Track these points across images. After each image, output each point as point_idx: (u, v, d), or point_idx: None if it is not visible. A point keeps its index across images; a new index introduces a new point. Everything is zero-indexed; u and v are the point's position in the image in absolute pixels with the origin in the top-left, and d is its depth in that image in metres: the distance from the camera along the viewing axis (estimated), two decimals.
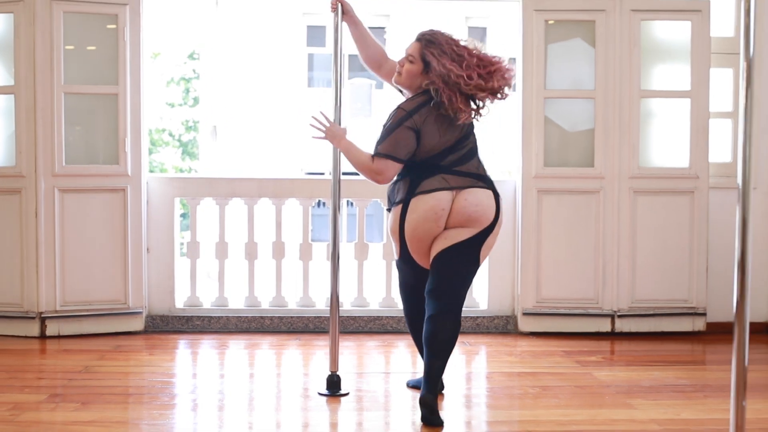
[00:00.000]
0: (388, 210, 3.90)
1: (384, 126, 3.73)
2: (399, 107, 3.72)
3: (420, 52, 3.70)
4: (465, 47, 3.68)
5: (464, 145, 3.76)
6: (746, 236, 3.01)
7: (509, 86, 3.74)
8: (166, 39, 23.35)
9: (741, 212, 3.00)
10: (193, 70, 24.98)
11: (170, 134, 25.94)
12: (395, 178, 3.78)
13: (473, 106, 3.72)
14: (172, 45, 24.34)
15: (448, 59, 3.61)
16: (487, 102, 3.73)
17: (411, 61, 3.73)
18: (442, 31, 3.75)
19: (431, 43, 3.68)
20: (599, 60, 5.53)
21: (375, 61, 4.13)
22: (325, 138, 3.96)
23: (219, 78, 18.20)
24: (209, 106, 18.88)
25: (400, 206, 3.73)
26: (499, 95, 3.71)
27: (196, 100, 24.76)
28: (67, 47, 5.37)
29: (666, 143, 5.67)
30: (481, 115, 3.78)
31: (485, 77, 3.63)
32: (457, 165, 3.71)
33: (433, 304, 3.66)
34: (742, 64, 2.92)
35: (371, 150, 3.71)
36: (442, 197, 3.65)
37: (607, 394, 4.12)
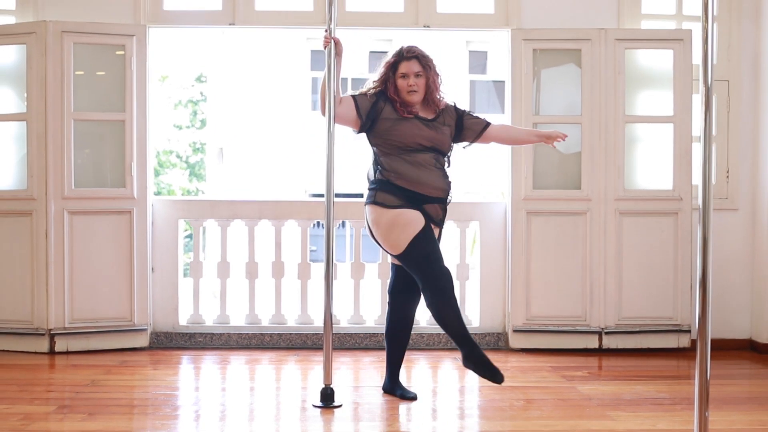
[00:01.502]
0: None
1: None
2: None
3: (422, 67, 4.29)
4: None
5: None
6: (707, 255, 3.24)
7: None
8: (173, 62, 23.61)
9: (702, 232, 3.23)
10: (201, 93, 25.22)
11: (178, 156, 26.14)
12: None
13: None
14: (180, 68, 24.59)
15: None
16: None
17: (419, 76, 4.29)
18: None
19: (423, 57, 4.32)
20: (585, 86, 5.76)
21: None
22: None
23: (225, 101, 18.47)
24: (216, 128, 19.15)
25: None
26: None
27: (203, 123, 24.98)
28: (77, 73, 5.62)
29: (650, 166, 5.89)
30: None
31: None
32: None
33: None
34: (701, 89, 3.16)
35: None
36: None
37: (589, 406, 4.31)
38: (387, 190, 4.22)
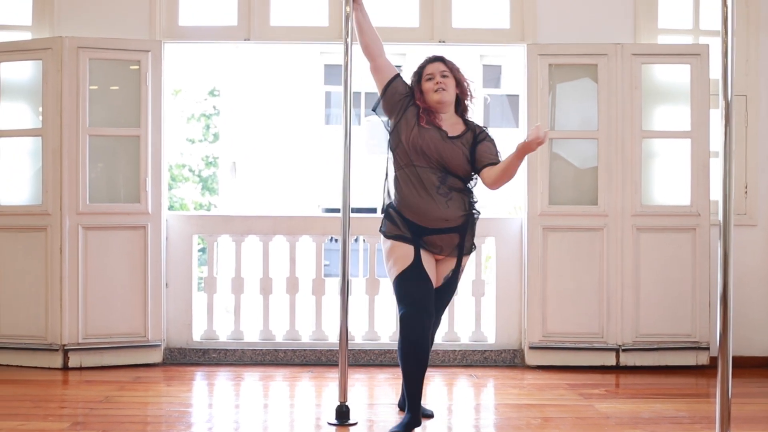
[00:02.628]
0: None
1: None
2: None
3: (448, 68, 4.19)
4: None
5: None
6: (728, 271, 3.19)
7: None
8: (187, 76, 23.71)
9: (723, 248, 3.18)
10: (214, 107, 25.33)
11: (190, 170, 26.22)
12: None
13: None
14: (193, 82, 24.69)
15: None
16: None
17: (446, 76, 4.16)
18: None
19: (449, 61, 4.23)
20: (602, 101, 5.72)
21: (371, 51, 4.27)
22: None
23: (239, 115, 18.51)
24: (229, 142, 19.20)
25: None
26: None
27: (216, 136, 25.07)
28: (92, 88, 5.63)
29: (668, 182, 5.84)
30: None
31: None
32: None
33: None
34: (721, 104, 3.12)
35: None
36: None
37: (607, 425, 4.26)
38: (389, 217, 4.10)
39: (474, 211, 4.14)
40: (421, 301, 3.95)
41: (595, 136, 5.74)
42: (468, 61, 17.68)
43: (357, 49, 4.36)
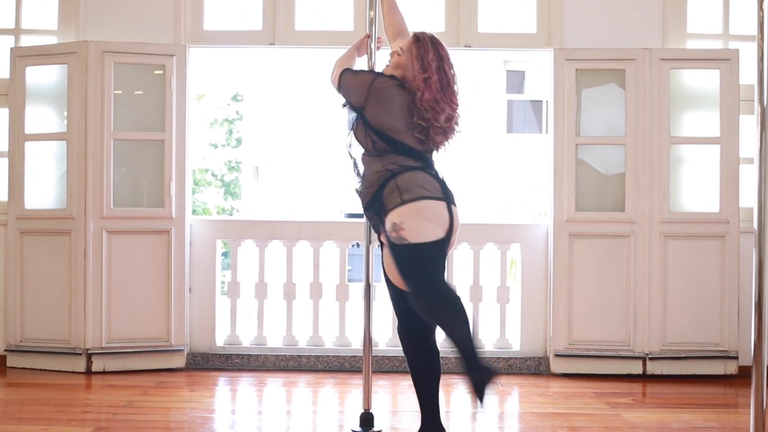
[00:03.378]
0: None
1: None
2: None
3: (408, 46, 3.72)
4: (442, 68, 3.65)
5: None
6: (763, 278, 3.12)
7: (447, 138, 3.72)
8: (210, 81, 23.81)
9: (757, 255, 3.11)
10: (237, 112, 25.38)
11: (213, 174, 26.30)
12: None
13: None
14: (216, 87, 24.78)
15: (419, 65, 3.63)
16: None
17: (399, 54, 3.76)
18: (440, 43, 3.72)
19: (419, 41, 3.69)
20: (629, 107, 5.65)
21: (392, 31, 4.19)
22: None
23: (261, 119, 18.56)
24: (252, 147, 19.24)
25: None
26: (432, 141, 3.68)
27: (239, 141, 25.13)
28: (117, 92, 5.64)
29: (696, 188, 5.76)
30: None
31: (434, 108, 3.60)
32: None
33: None
34: (756, 109, 3.05)
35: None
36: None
37: None
38: None
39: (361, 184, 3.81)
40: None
41: (622, 141, 5.67)
42: (491, 66, 17.64)
43: (382, 54, 4.33)
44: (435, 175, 3.67)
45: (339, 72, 3.93)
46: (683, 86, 5.75)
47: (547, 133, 6.00)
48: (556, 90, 5.70)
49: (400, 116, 3.64)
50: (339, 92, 3.90)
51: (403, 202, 3.53)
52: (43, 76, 5.76)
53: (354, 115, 3.82)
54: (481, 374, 3.51)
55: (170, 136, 5.66)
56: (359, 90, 3.75)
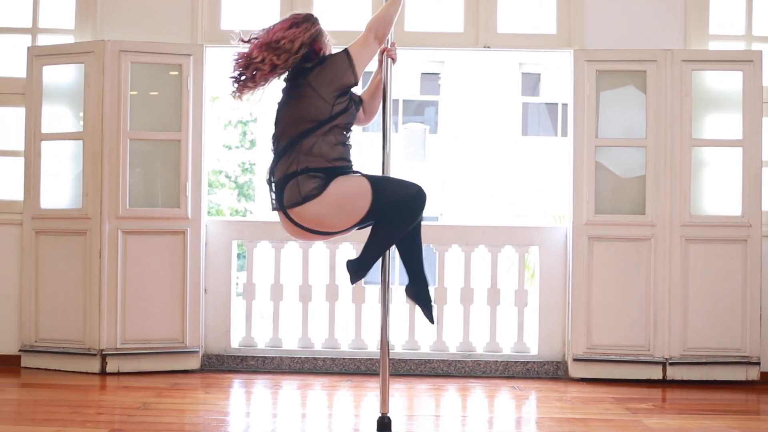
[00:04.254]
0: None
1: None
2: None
3: None
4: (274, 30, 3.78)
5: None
6: None
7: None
8: (225, 83, 23.80)
9: None
10: (251, 114, 25.43)
11: (227, 176, 26.36)
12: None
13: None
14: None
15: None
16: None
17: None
18: (296, 21, 3.85)
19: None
20: (650, 109, 5.59)
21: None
22: None
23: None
24: (266, 148, 19.21)
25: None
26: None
27: (252, 143, 25.18)
28: (133, 92, 5.61)
29: (718, 191, 5.69)
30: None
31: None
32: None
33: None
34: None
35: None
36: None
37: None
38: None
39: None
40: None
41: (643, 144, 5.60)
42: (507, 69, 17.56)
43: (400, 53, 4.28)
44: None
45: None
46: (705, 88, 5.68)
47: (563, 135, 5.95)
48: (576, 91, 5.64)
49: None
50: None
51: None
52: (59, 76, 5.74)
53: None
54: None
55: (186, 137, 5.63)
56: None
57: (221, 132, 25.55)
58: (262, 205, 19.35)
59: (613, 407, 4.87)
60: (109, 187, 5.55)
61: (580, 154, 5.61)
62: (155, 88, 5.75)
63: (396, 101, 17.49)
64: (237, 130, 26.38)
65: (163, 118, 5.69)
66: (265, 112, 19.76)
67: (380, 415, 4.11)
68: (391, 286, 4.22)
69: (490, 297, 5.88)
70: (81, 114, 5.65)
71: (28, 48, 5.75)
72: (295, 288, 5.96)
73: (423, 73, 17.18)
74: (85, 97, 5.59)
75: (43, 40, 5.89)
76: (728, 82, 5.65)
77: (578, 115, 5.63)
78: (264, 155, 19.60)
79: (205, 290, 5.79)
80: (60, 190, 5.74)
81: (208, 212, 20.50)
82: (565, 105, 17.73)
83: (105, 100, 5.54)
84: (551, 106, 18.13)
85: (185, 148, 5.63)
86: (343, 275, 5.91)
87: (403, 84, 16.21)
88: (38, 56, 5.69)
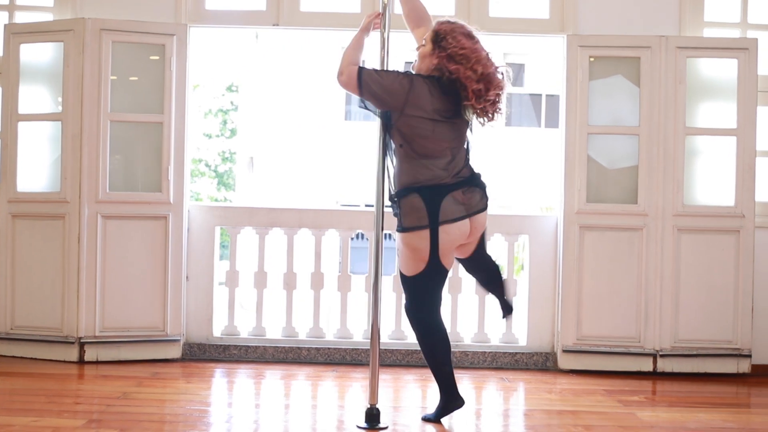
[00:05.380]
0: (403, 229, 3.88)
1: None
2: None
3: (431, 38, 3.84)
4: (471, 46, 3.79)
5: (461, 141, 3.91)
6: None
7: (498, 103, 3.87)
8: (205, 71, 23.64)
9: None
10: (231, 102, 25.23)
11: (207, 165, 26.14)
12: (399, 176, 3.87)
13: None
14: (211, 77, 24.61)
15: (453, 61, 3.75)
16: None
17: (423, 44, 3.88)
18: (458, 24, 3.88)
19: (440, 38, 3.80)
20: (644, 96, 5.49)
21: (413, 18, 4.17)
22: None
23: (256, 110, 18.35)
24: (246, 137, 19.04)
25: (428, 232, 3.78)
26: (489, 112, 3.86)
27: (233, 132, 24.98)
28: (114, 72, 5.45)
29: (711, 181, 5.60)
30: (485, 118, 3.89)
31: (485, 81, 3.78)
32: (456, 170, 3.85)
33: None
34: None
35: None
36: (465, 224, 3.85)
37: None
38: None
39: None
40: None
41: (635, 132, 5.50)
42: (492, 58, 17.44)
43: (391, 36, 4.14)
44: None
45: (353, 71, 3.82)
46: (699, 76, 5.58)
47: (547, 126, 5.84)
48: (569, 77, 5.52)
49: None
50: (361, 94, 3.82)
51: None
52: (37, 54, 5.56)
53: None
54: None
55: (169, 119, 5.47)
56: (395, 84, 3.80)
57: (201, 120, 25.33)
58: (243, 195, 19.18)
59: (604, 399, 4.78)
60: (89, 170, 5.38)
61: (572, 141, 5.51)
62: (137, 69, 5.58)
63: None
64: (217, 118, 26.16)
65: (146, 100, 5.52)
66: (244, 100, 19.55)
67: (368, 406, 3.99)
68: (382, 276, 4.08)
69: (479, 287, 5.76)
70: (60, 94, 5.47)
71: (5, 25, 5.57)
72: (280, 276, 5.82)
73: (407, 62, 17.04)
74: (64, 76, 5.41)
75: (21, 18, 5.71)
76: (723, 69, 5.55)
77: (570, 102, 5.52)
78: (244, 144, 19.41)
79: (187, 277, 5.64)
80: (37, 172, 5.56)
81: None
82: (549, 96, 17.66)
83: (85, 81, 5.37)
84: (535, 97, 18.04)
85: (167, 130, 5.47)
86: (329, 263, 5.81)
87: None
88: (15, 34, 5.51)
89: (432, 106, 3.76)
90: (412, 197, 3.79)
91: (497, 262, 4.28)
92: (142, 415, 4.13)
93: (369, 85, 3.78)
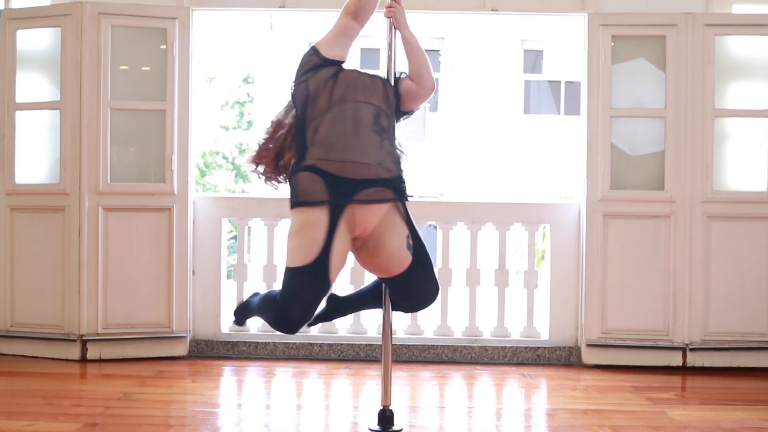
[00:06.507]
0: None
1: None
2: None
3: None
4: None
5: None
6: None
7: None
8: (221, 63, 23.51)
9: None
10: (248, 94, 25.09)
11: (224, 157, 26.04)
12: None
13: None
14: (227, 69, 24.49)
15: None
16: None
17: None
18: None
19: None
20: (670, 77, 5.21)
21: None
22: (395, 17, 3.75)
23: (273, 101, 18.18)
24: (262, 129, 18.88)
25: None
26: None
27: (249, 124, 24.85)
28: (114, 57, 5.24)
29: (742, 165, 5.32)
30: None
31: None
32: None
33: None
34: None
35: None
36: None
37: None
38: None
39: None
40: None
41: (662, 114, 5.22)
42: (508, 45, 17.16)
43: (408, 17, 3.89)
44: None
45: None
46: (729, 54, 5.29)
47: (566, 114, 5.58)
48: (590, 58, 5.25)
49: None
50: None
51: None
52: (35, 41, 5.35)
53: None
54: None
55: (172, 106, 5.25)
56: None
57: (218, 113, 25.21)
58: (259, 186, 19.04)
59: (632, 397, 4.52)
60: (89, 160, 5.17)
61: (595, 125, 5.24)
62: (138, 54, 5.35)
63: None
64: (234, 110, 26.02)
65: (148, 87, 5.31)
66: (260, 92, 19.39)
67: (381, 408, 3.75)
68: None
69: (498, 278, 5.52)
70: (59, 81, 5.25)
71: (1, 11, 5.37)
72: None
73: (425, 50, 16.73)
74: (62, 63, 5.20)
75: (17, 2, 5.51)
76: (754, 48, 5.28)
77: (592, 84, 5.25)
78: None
79: (193, 271, 5.42)
80: (36, 163, 5.36)
81: (204, 191, 20.14)
82: (568, 83, 17.33)
83: (84, 67, 5.15)
84: (554, 84, 17.72)
85: (171, 118, 5.24)
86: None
87: (402, 61, 15.79)
88: (12, 19, 5.30)
89: None
90: None
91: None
92: (143, 417, 3.92)
93: None
